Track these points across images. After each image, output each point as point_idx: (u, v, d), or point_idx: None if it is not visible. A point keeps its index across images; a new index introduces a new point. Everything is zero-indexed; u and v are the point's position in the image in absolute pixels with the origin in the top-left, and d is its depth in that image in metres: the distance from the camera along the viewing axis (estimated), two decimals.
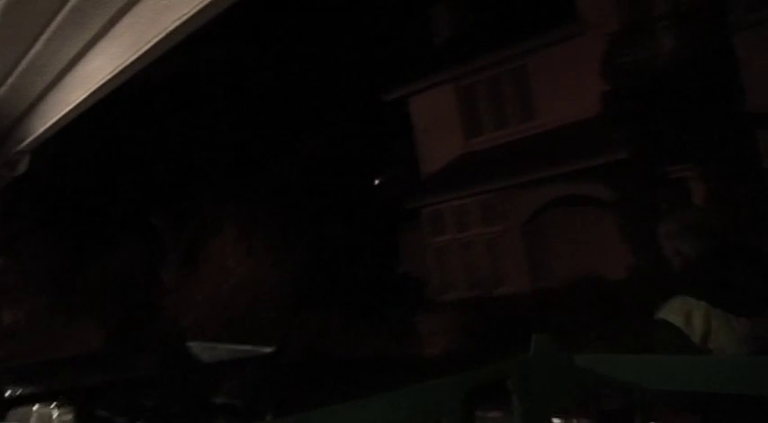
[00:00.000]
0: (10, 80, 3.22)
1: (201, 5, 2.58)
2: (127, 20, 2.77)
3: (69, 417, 4.19)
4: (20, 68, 3.10)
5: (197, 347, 5.99)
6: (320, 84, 19.43)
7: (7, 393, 4.87)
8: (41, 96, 3.37)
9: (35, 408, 4.33)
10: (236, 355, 5.34)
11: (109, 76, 3.09)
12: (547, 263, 14.90)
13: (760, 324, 2.32)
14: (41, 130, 3.61)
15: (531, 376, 2.04)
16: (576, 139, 14.18)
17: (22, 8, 2.62)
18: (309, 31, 19.47)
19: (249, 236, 14.93)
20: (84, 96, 3.21)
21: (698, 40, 12.52)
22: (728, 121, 12.05)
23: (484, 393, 2.00)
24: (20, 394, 4.98)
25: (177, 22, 2.67)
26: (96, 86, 3.13)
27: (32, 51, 2.98)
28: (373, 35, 20.34)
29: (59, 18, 2.72)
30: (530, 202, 14.78)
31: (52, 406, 4.21)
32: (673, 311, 2.52)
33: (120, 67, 2.99)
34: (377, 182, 20.27)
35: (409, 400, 1.88)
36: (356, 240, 17.44)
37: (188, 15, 2.63)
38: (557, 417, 2.50)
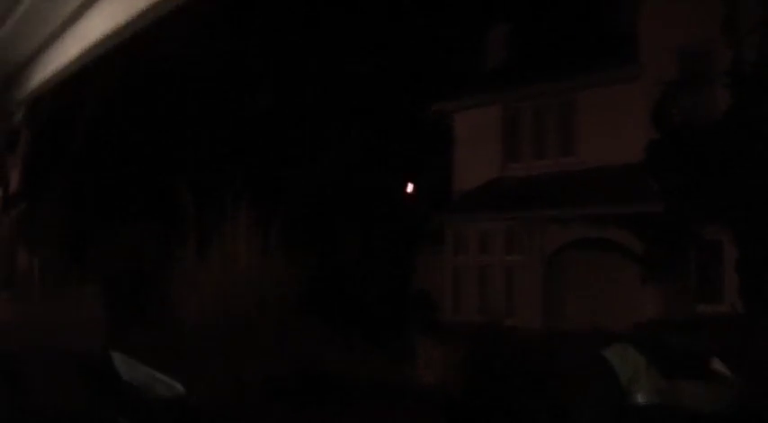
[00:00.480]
0: (7, 27, 3.09)
1: None
2: None
3: None
4: (17, 15, 2.97)
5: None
6: (366, 86, 19.28)
7: None
8: (40, 50, 3.23)
9: None
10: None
11: (107, 33, 2.94)
12: (561, 302, 14.61)
13: (677, 385, 2.76)
14: (38, 82, 3.49)
15: None
16: (612, 182, 13.88)
17: None
18: (364, 30, 19.34)
19: (266, 232, 14.77)
20: (80, 52, 3.07)
21: (753, 106, 12.15)
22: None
23: None
24: None
25: None
26: (94, 43, 2.99)
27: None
28: (429, 44, 20.13)
29: None
30: (556, 237, 14.48)
31: None
32: (614, 350, 2.93)
33: (118, 26, 2.84)
34: (406, 193, 20.03)
35: None
36: (375, 252, 17.26)
37: None
38: None
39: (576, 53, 15.89)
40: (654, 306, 12.89)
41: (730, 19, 12.53)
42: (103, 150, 17.30)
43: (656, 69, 13.56)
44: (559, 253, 14.70)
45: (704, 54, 13.18)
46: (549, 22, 18.00)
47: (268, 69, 18.65)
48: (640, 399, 2.78)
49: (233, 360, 11.88)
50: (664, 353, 2.91)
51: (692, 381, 2.81)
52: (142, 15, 2.83)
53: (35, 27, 3.06)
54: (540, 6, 18.49)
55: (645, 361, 2.87)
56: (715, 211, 12.38)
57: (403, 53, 19.57)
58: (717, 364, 2.90)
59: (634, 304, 13.32)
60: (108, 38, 2.99)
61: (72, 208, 17.21)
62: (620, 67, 14.57)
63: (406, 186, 20.73)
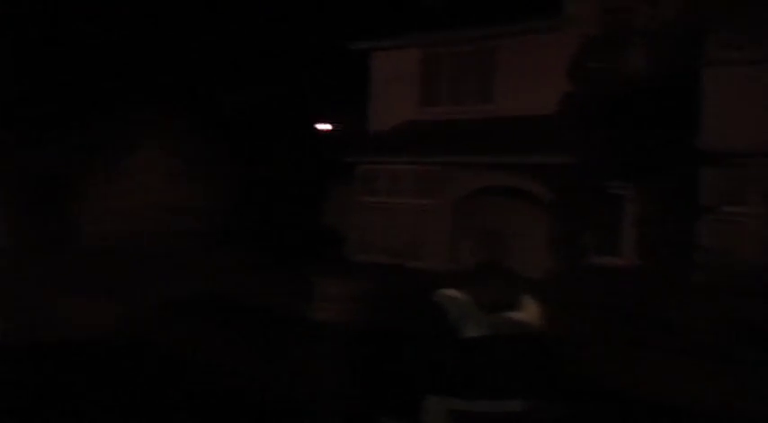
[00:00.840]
0: None
1: None
2: None
3: None
4: None
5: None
6: (286, 23, 18.89)
7: None
8: None
9: None
10: None
11: None
12: (467, 246, 14.87)
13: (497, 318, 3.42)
14: None
15: None
16: (526, 132, 14.13)
17: None
18: None
19: (173, 158, 14.44)
20: None
21: (669, 65, 12.53)
22: (677, 152, 12.11)
23: None
24: None
25: None
26: None
27: None
28: None
29: None
30: (466, 183, 14.68)
31: None
32: (444, 294, 3.52)
33: None
34: (321, 129, 19.87)
35: None
36: (286, 184, 17.11)
37: None
38: None
39: (499, 1, 15.96)
40: (557, 253, 13.38)
41: None
42: (16, 70, 16.47)
43: (578, 23, 13.77)
44: (468, 198, 14.93)
45: (625, 10, 13.45)
46: None
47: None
48: (468, 332, 3.40)
49: (139, 283, 11.74)
50: (486, 292, 3.55)
51: (508, 313, 3.47)
52: None
53: None
54: None
55: (471, 300, 3.48)
56: (621, 166, 12.79)
57: None
58: (527, 299, 3.56)
59: (538, 252, 13.75)
60: None
61: None
62: (542, 18, 14.72)
63: (322, 124, 20.55)
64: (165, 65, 17.33)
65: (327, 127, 20.61)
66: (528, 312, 3.49)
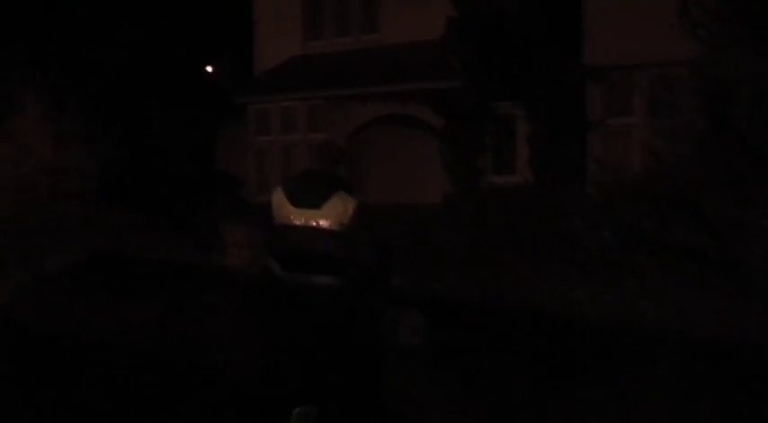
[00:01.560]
0: None
1: None
2: None
3: None
4: None
5: None
6: None
7: None
8: None
9: None
10: None
11: None
12: (364, 178, 14.91)
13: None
14: None
15: None
16: (414, 59, 14.08)
17: None
18: None
19: (58, 118, 13.73)
20: None
21: None
22: (562, 69, 12.27)
23: None
24: None
25: None
26: None
27: None
28: None
29: None
30: (358, 114, 14.58)
31: None
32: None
33: None
34: (206, 71, 19.29)
35: None
36: (175, 132, 16.60)
37: None
38: None
39: None
40: (450, 178, 13.50)
41: None
42: None
43: None
44: (362, 130, 14.86)
45: None
46: None
47: None
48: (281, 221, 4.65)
49: (30, 251, 11.27)
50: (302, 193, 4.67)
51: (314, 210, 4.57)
52: None
53: None
54: None
55: (285, 197, 4.66)
56: (509, 87, 12.90)
57: None
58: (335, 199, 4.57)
59: (435, 177, 13.87)
60: None
61: None
62: None
63: (206, 66, 19.97)
64: (41, 18, 16.41)
65: (212, 69, 20.04)
66: (331, 210, 4.53)
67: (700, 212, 7.99)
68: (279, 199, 4.67)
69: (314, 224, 4.53)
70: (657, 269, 8.01)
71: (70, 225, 11.70)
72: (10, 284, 9.87)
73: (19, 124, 13.21)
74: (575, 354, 6.61)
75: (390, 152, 15.02)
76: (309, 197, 4.58)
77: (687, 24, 8.84)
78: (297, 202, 4.60)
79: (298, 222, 4.56)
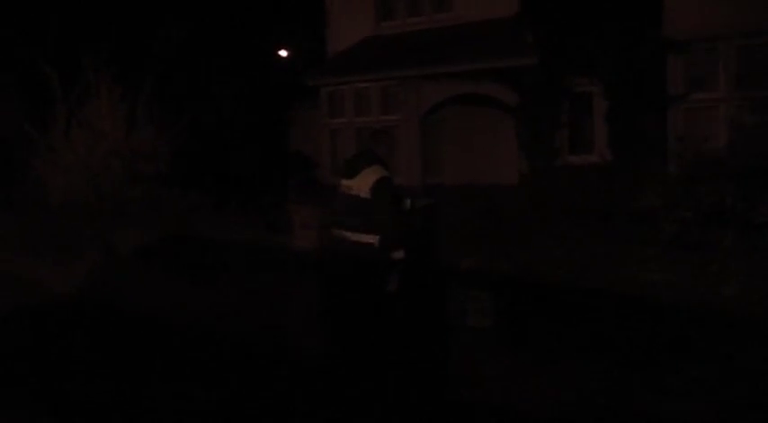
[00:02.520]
0: None
1: None
2: None
3: None
4: None
5: None
6: None
7: None
8: None
9: None
10: None
11: None
12: (439, 159, 14.75)
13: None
14: None
15: None
16: (487, 36, 13.77)
17: None
18: None
19: (131, 103, 13.92)
20: None
21: None
22: (641, 43, 11.82)
23: None
24: None
25: None
26: None
27: None
28: None
29: None
30: (432, 94, 14.37)
31: None
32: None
33: None
34: (279, 54, 19.33)
35: None
36: (248, 114, 16.68)
37: None
38: None
39: None
40: (526, 158, 13.19)
41: None
42: None
43: None
44: (436, 110, 14.66)
45: None
46: None
47: None
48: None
49: (104, 234, 11.50)
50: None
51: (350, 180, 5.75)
52: None
53: None
54: None
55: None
56: (585, 63, 12.51)
57: None
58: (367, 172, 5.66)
59: (510, 157, 13.57)
60: None
61: None
62: None
63: (279, 49, 20.01)
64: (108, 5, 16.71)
65: (286, 53, 20.08)
66: (360, 180, 5.58)
67: None
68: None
69: (351, 191, 5.64)
70: (742, 250, 7.59)
71: (143, 207, 11.87)
72: (85, 265, 10.08)
73: (93, 110, 13.44)
74: (650, 339, 6.31)
75: (465, 132, 14.79)
76: (349, 170, 5.77)
77: None
78: (344, 174, 5.81)
79: (343, 190, 5.73)
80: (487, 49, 13.56)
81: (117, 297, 8.84)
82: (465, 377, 5.93)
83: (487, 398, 5.53)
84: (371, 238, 5.52)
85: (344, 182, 5.71)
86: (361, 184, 5.52)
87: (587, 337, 6.50)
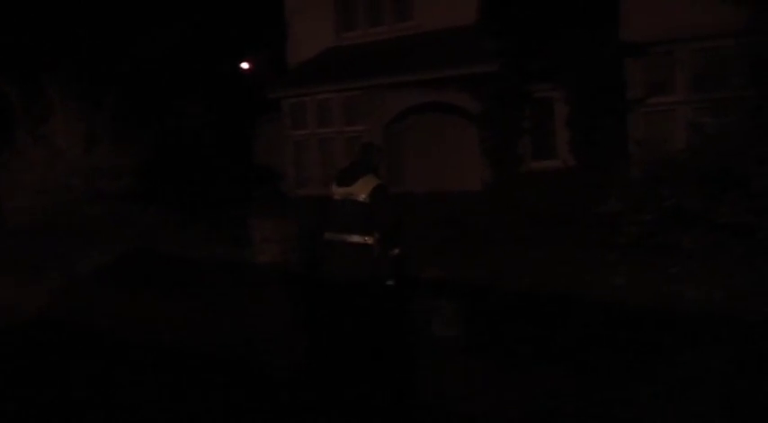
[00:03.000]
0: None
1: None
2: None
3: None
4: None
5: None
6: None
7: None
8: None
9: None
10: None
11: None
12: (403, 168, 14.71)
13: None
14: None
15: None
16: (448, 44, 13.77)
17: None
18: None
19: (91, 118, 13.72)
20: None
21: None
22: (600, 49, 11.90)
23: None
24: None
25: None
26: None
27: None
28: None
29: None
30: (394, 103, 14.34)
31: None
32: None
33: None
34: (242, 67, 19.21)
35: None
36: (211, 128, 16.53)
37: None
38: None
39: None
40: (489, 165, 13.20)
41: None
42: None
43: None
44: (399, 119, 14.63)
45: None
46: None
47: None
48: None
49: (65, 251, 11.31)
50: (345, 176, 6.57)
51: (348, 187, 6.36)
52: None
53: None
54: None
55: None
56: (546, 69, 12.55)
57: None
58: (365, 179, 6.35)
59: (474, 164, 13.57)
60: None
61: None
62: None
63: (241, 62, 19.90)
64: (68, 19, 16.47)
65: (248, 65, 19.98)
66: (359, 187, 6.25)
67: (748, 189, 7.57)
68: (332, 183, 6.60)
69: (350, 197, 6.25)
70: (703, 251, 7.63)
71: (104, 225, 11.70)
72: (46, 286, 9.90)
73: (53, 127, 13.22)
74: (615, 342, 6.30)
75: (428, 140, 14.77)
76: (346, 178, 6.41)
77: None
78: (338, 182, 6.44)
79: (337, 197, 6.37)
80: (449, 57, 13.57)
81: (77, 316, 8.67)
82: (432, 387, 5.87)
83: (454, 407, 5.48)
84: (368, 239, 6.12)
85: (340, 189, 6.37)
86: (361, 190, 6.23)
87: (553, 343, 6.48)
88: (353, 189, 6.23)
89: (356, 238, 6.13)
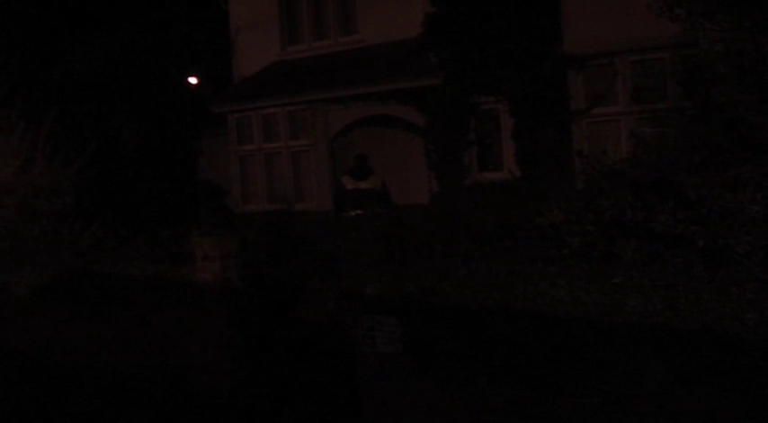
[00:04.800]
0: None
1: None
2: None
3: None
4: None
5: None
6: None
7: None
8: None
9: None
10: None
11: None
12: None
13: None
14: None
15: None
16: (393, 58, 13.75)
17: None
18: None
19: (32, 135, 13.33)
20: None
21: None
22: (542, 62, 11.96)
23: None
24: None
25: None
26: None
27: None
28: None
29: None
30: (340, 117, 14.26)
31: None
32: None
33: None
34: (187, 82, 18.96)
35: None
36: (154, 144, 16.26)
37: None
38: None
39: None
40: (436, 178, 13.16)
41: None
42: None
43: None
44: (345, 133, 14.55)
45: None
46: None
47: None
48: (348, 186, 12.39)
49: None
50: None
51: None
52: None
53: None
54: None
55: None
56: (490, 81, 12.58)
57: None
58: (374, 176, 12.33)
59: (420, 177, 13.52)
60: None
61: None
62: None
63: (186, 77, 19.63)
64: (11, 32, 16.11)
65: (195, 80, 19.72)
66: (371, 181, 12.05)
67: (686, 199, 7.60)
68: (345, 177, 11.96)
69: (367, 186, 11.44)
70: (643, 261, 7.63)
71: (39, 245, 11.38)
72: None
73: None
74: (557, 355, 6.24)
75: (375, 154, 14.67)
76: (361, 175, 11.68)
77: (664, 5, 8.44)
78: (356, 177, 11.42)
79: (350, 187, 11.38)
80: (393, 70, 13.55)
81: (10, 339, 8.38)
82: (374, 405, 5.74)
83: None
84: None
85: (358, 182, 11.89)
86: (376, 183, 11.92)
87: (494, 358, 6.39)
88: (369, 183, 12.08)
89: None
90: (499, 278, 7.91)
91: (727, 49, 7.67)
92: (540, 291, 7.45)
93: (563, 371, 5.97)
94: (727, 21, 7.58)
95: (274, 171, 15.16)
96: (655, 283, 7.32)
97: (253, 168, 15.45)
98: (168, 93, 17.43)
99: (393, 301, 7.65)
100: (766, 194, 7.31)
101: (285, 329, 6.13)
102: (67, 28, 16.72)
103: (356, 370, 6.48)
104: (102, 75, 16.32)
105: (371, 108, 13.85)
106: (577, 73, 11.61)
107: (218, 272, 9.20)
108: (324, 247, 9.14)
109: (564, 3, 11.58)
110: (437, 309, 7.48)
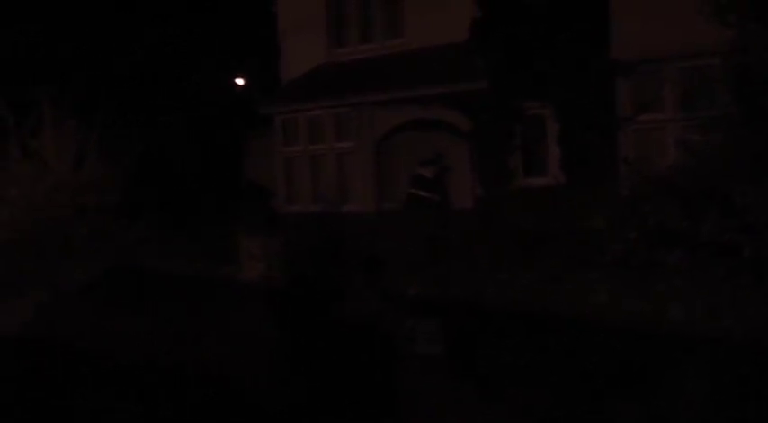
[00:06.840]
0: None
1: None
2: None
3: None
4: None
5: None
6: None
7: None
8: None
9: None
10: None
11: None
12: (394, 184, 14.66)
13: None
14: None
15: None
16: (439, 62, 13.79)
17: None
18: None
19: (80, 134, 13.66)
20: None
21: None
22: (589, 66, 11.90)
23: None
24: None
25: None
26: None
27: None
28: None
29: None
30: (385, 120, 14.33)
31: None
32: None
33: None
34: (235, 82, 19.22)
35: None
36: (202, 144, 16.51)
37: None
38: None
39: None
40: (480, 182, 13.17)
41: None
42: None
43: None
44: (390, 136, 14.61)
45: None
46: None
47: None
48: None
49: (49, 268, 11.24)
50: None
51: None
52: None
53: None
54: None
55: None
56: (536, 86, 12.55)
57: None
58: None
59: (465, 181, 13.54)
60: None
61: None
62: None
63: (235, 78, 19.92)
64: (53, 32, 16.48)
65: (242, 81, 20.00)
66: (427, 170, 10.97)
67: (732, 208, 7.54)
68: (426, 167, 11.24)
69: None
70: (688, 270, 7.58)
71: (90, 241, 11.65)
72: (29, 302, 9.83)
73: (43, 142, 13.16)
74: (598, 364, 6.23)
75: (419, 158, 14.70)
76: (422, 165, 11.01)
77: (715, 10, 8.38)
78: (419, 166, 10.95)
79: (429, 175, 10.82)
80: (439, 74, 13.58)
81: (60, 333, 8.60)
82: (414, 407, 5.81)
83: None
84: (431, 196, 10.49)
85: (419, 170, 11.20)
86: (428, 171, 11.09)
87: (535, 363, 6.41)
88: (425, 170, 11.24)
89: (425, 194, 10.76)
90: (541, 283, 7.92)
91: None
92: (582, 296, 7.45)
93: (600, 378, 5.96)
94: None
95: (319, 172, 15.28)
96: (698, 292, 7.28)
97: (298, 169, 15.59)
98: (215, 93, 17.68)
99: (436, 303, 7.71)
100: None
101: (327, 329, 6.22)
102: (117, 26, 17.06)
103: (395, 370, 6.55)
104: (150, 74, 16.62)
105: (417, 111, 13.88)
106: (624, 79, 11.55)
107: (262, 271, 9.33)
108: (367, 249, 9.25)
109: (612, 8, 11.52)
110: (479, 312, 7.52)
